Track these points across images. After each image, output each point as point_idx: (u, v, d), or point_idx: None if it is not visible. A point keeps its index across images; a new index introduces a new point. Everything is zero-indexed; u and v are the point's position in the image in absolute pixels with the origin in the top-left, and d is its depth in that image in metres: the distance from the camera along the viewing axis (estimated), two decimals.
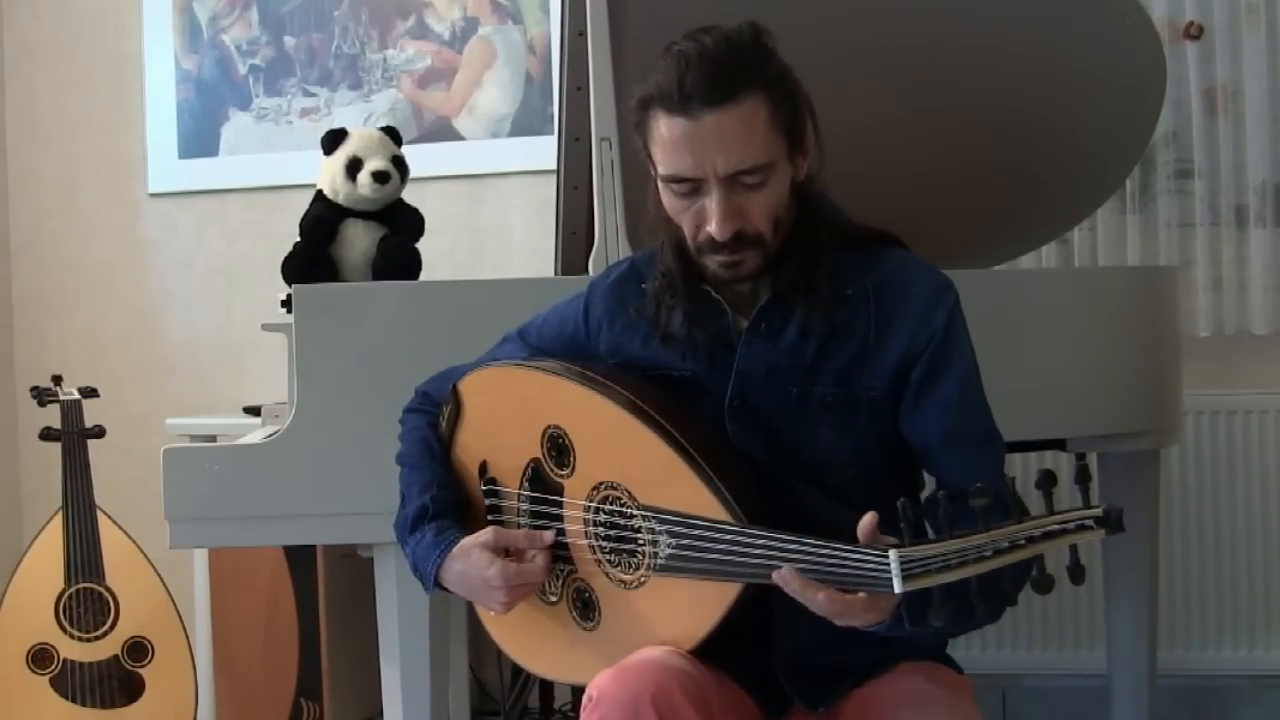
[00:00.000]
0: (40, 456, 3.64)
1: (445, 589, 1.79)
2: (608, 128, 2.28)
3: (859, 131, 2.32)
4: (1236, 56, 3.29)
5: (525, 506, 1.80)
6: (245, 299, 3.88)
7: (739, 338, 1.73)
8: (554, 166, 2.79)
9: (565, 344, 1.87)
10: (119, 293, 4.00)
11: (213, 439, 3.20)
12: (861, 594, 1.46)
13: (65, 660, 3.12)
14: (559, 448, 1.76)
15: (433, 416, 1.90)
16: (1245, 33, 3.29)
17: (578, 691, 2.07)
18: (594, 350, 1.84)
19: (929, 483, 1.77)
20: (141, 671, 3.17)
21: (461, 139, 3.79)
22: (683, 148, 1.63)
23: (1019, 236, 3.01)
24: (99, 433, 3.23)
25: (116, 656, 3.15)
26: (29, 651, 3.11)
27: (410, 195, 2.79)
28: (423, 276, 2.72)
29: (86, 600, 3.14)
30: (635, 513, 1.68)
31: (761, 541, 1.53)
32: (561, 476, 1.76)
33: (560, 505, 1.76)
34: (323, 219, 2.71)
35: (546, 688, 3.48)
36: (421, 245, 2.75)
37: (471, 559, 1.74)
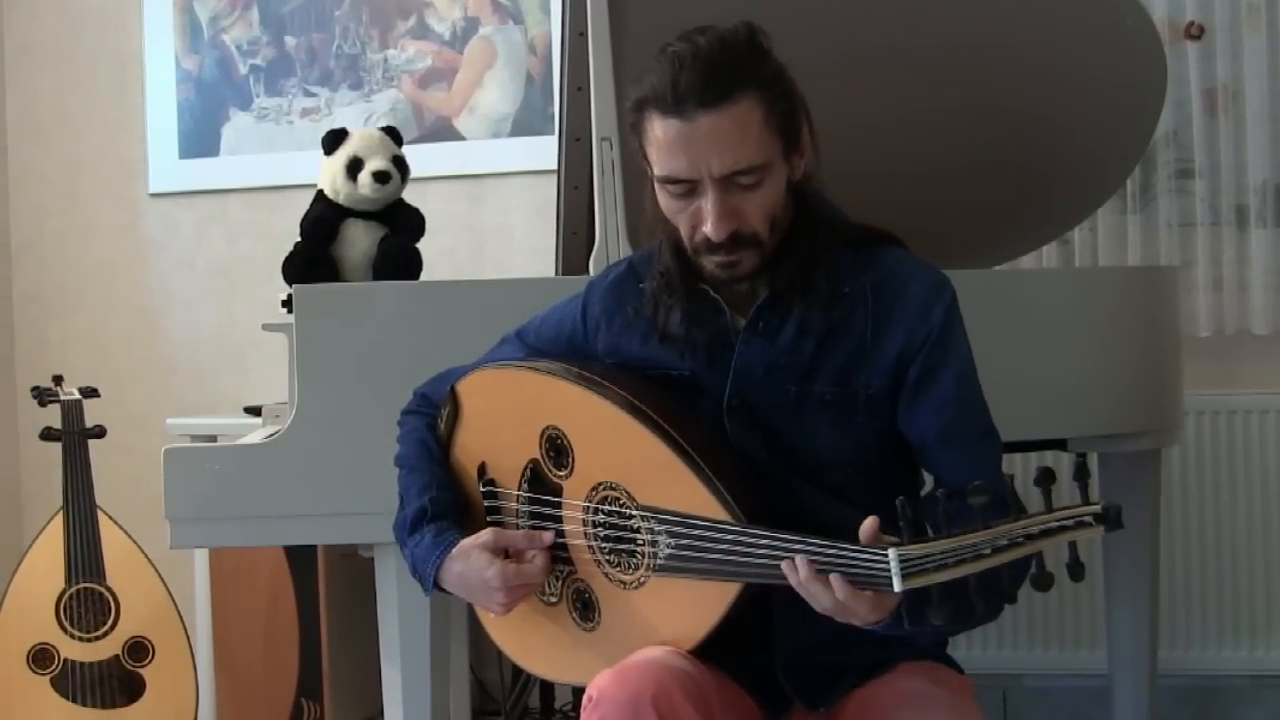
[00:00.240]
0: (41, 456, 3.64)
1: (444, 590, 1.79)
2: (608, 128, 2.27)
3: (860, 131, 2.33)
4: (1237, 56, 3.29)
5: (524, 507, 1.80)
6: (246, 299, 3.88)
7: (737, 336, 1.73)
8: (555, 166, 2.79)
9: (563, 344, 1.87)
10: (120, 293, 4.00)
11: (213, 439, 3.20)
12: (868, 591, 1.46)
13: (66, 660, 3.13)
14: (557, 448, 1.76)
15: (431, 418, 1.90)
16: (1246, 33, 3.28)
17: (578, 692, 2.07)
18: (592, 350, 1.84)
19: (929, 481, 1.77)
20: (142, 671, 3.17)
21: (462, 139, 3.79)
22: (677, 149, 1.63)
23: (1020, 236, 3.01)
24: (100, 433, 3.23)
25: (117, 656, 3.15)
26: (29, 651, 3.11)
27: (411, 195, 2.79)
28: (423, 277, 2.72)
29: (87, 600, 3.14)
30: (634, 513, 1.68)
31: (762, 541, 1.53)
32: (560, 477, 1.76)
33: (559, 506, 1.76)
34: (323, 219, 2.71)
35: (547, 688, 3.48)
36: (422, 245, 2.75)
37: (470, 560, 1.74)
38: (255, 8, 3.90)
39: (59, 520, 3.16)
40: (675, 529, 1.62)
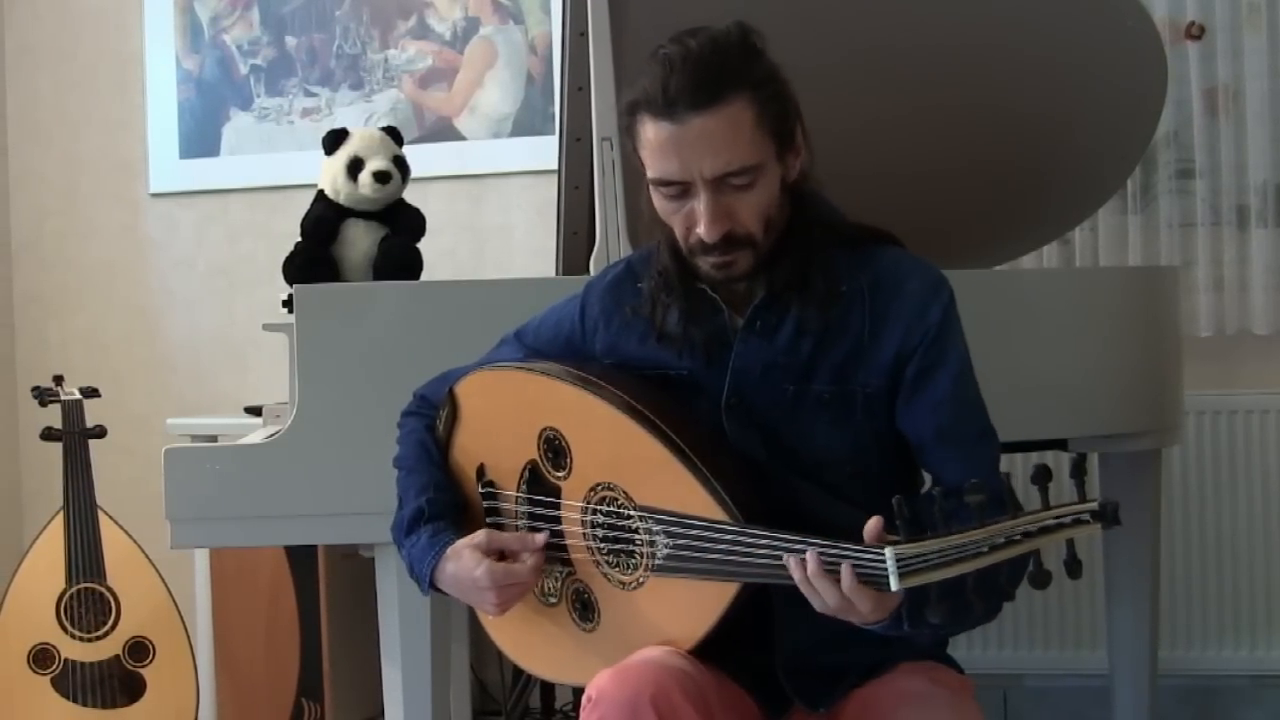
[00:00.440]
0: (41, 456, 3.64)
1: (441, 591, 1.79)
2: (609, 128, 2.27)
3: (860, 131, 2.33)
4: (1238, 57, 3.29)
5: (523, 509, 1.80)
6: (246, 299, 3.88)
7: (735, 336, 1.73)
8: (555, 166, 2.79)
9: (562, 345, 1.87)
10: (120, 293, 4.00)
11: (214, 439, 3.20)
12: (871, 589, 1.46)
13: (66, 660, 3.13)
14: (555, 449, 1.76)
15: (430, 420, 1.90)
16: (1246, 33, 3.28)
17: (578, 692, 2.07)
18: (591, 350, 1.84)
19: (928, 480, 1.77)
20: (142, 671, 3.17)
21: (463, 139, 3.79)
22: (669, 151, 1.63)
23: (1020, 236, 3.01)
24: (100, 433, 3.23)
25: (117, 656, 3.15)
26: (30, 651, 3.12)
27: (411, 195, 2.79)
28: (424, 277, 2.72)
29: (87, 600, 3.14)
30: (632, 513, 1.68)
31: (760, 541, 1.53)
32: (558, 478, 1.76)
33: (558, 507, 1.76)
34: (324, 219, 2.72)
35: (547, 688, 3.48)
36: (423, 245, 2.75)
37: (462, 560, 1.74)
38: (256, 8, 3.90)
39: (59, 520, 3.16)
40: (673, 529, 1.62)
